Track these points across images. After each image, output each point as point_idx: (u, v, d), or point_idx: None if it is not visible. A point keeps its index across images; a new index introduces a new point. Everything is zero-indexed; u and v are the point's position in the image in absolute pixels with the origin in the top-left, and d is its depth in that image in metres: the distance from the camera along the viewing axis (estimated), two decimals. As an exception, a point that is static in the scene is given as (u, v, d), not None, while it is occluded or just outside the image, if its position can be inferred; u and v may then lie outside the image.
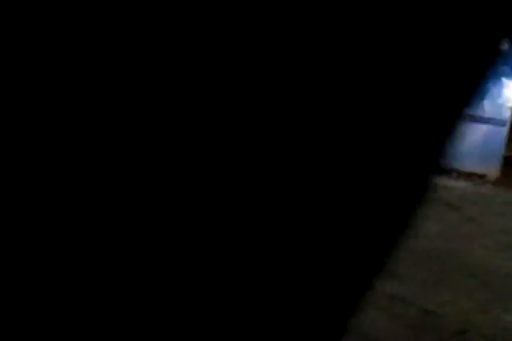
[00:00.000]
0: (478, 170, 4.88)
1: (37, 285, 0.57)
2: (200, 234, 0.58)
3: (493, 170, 5.05)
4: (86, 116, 0.54)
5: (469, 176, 4.81)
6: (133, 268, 0.58)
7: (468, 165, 4.90)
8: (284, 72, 0.56)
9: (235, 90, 0.55)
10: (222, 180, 0.57)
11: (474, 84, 0.59)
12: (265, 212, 0.59)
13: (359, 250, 0.62)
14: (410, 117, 0.58)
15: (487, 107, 5.33)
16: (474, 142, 5.12)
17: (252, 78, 0.56)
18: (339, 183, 0.59)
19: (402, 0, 0.56)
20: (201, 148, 0.56)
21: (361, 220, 0.61)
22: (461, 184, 4.63)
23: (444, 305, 3.00)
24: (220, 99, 0.55)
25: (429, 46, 0.56)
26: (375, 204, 0.61)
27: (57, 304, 0.57)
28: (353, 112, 0.57)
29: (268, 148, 0.57)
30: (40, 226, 0.56)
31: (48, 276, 0.57)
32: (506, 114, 5.27)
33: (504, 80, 5.44)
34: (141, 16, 0.53)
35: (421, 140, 0.59)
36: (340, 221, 0.60)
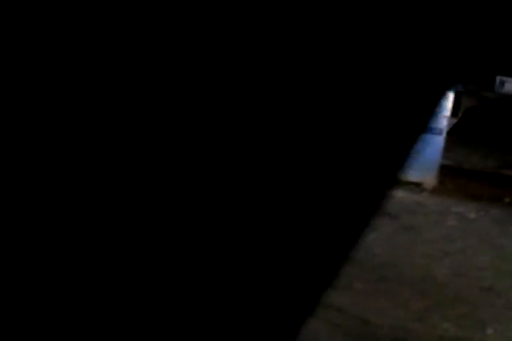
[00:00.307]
0: (416, 178, 4.92)
1: (37, 285, 0.57)
2: (194, 233, 0.58)
3: (430, 178, 5.11)
4: (86, 116, 0.53)
5: (407, 185, 4.86)
6: (133, 268, 0.58)
7: (406, 174, 4.93)
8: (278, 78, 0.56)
9: (234, 90, 0.55)
10: (220, 178, 0.57)
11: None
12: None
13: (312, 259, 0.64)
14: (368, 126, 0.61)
15: (424, 116, 5.38)
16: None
17: (251, 79, 0.56)
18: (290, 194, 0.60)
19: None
20: (201, 148, 0.56)
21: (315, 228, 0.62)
22: (399, 193, 4.67)
23: (382, 314, 3.01)
24: (220, 99, 0.56)
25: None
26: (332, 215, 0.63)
27: (57, 304, 0.58)
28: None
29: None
30: (40, 226, 0.56)
31: (48, 276, 0.57)
32: (443, 123, 5.33)
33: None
34: (141, 16, 0.53)
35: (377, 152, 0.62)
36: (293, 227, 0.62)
